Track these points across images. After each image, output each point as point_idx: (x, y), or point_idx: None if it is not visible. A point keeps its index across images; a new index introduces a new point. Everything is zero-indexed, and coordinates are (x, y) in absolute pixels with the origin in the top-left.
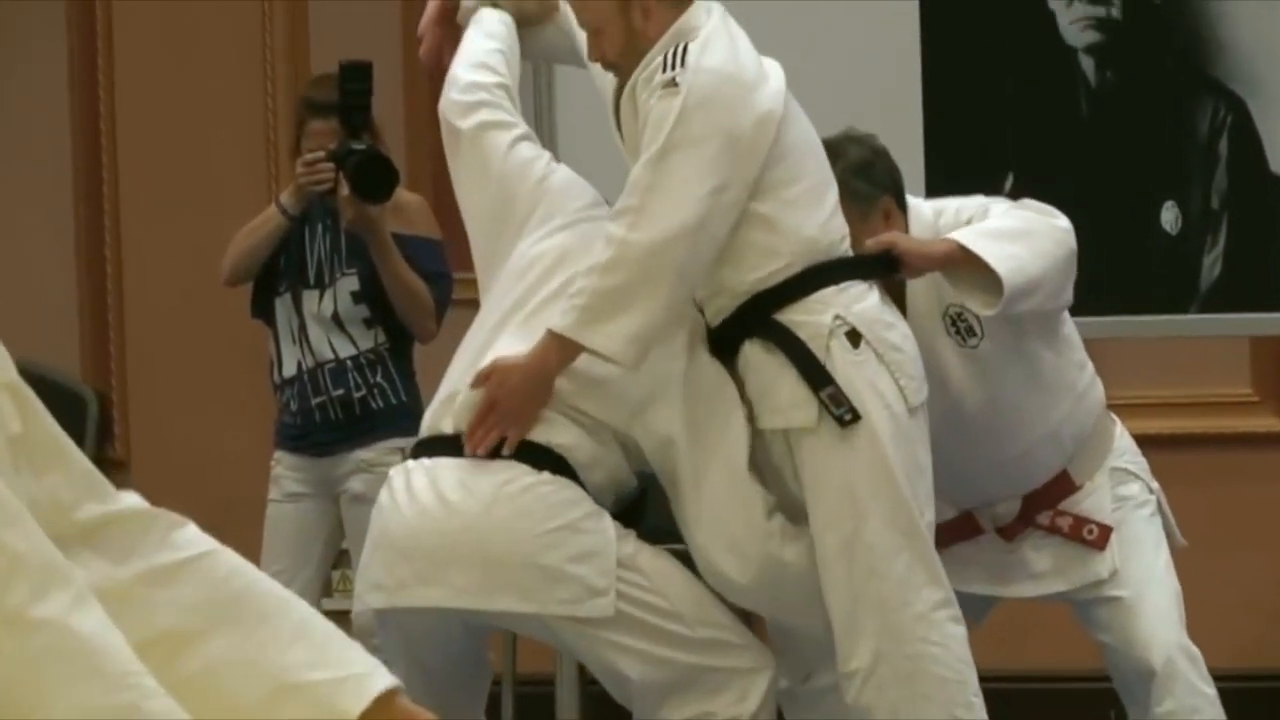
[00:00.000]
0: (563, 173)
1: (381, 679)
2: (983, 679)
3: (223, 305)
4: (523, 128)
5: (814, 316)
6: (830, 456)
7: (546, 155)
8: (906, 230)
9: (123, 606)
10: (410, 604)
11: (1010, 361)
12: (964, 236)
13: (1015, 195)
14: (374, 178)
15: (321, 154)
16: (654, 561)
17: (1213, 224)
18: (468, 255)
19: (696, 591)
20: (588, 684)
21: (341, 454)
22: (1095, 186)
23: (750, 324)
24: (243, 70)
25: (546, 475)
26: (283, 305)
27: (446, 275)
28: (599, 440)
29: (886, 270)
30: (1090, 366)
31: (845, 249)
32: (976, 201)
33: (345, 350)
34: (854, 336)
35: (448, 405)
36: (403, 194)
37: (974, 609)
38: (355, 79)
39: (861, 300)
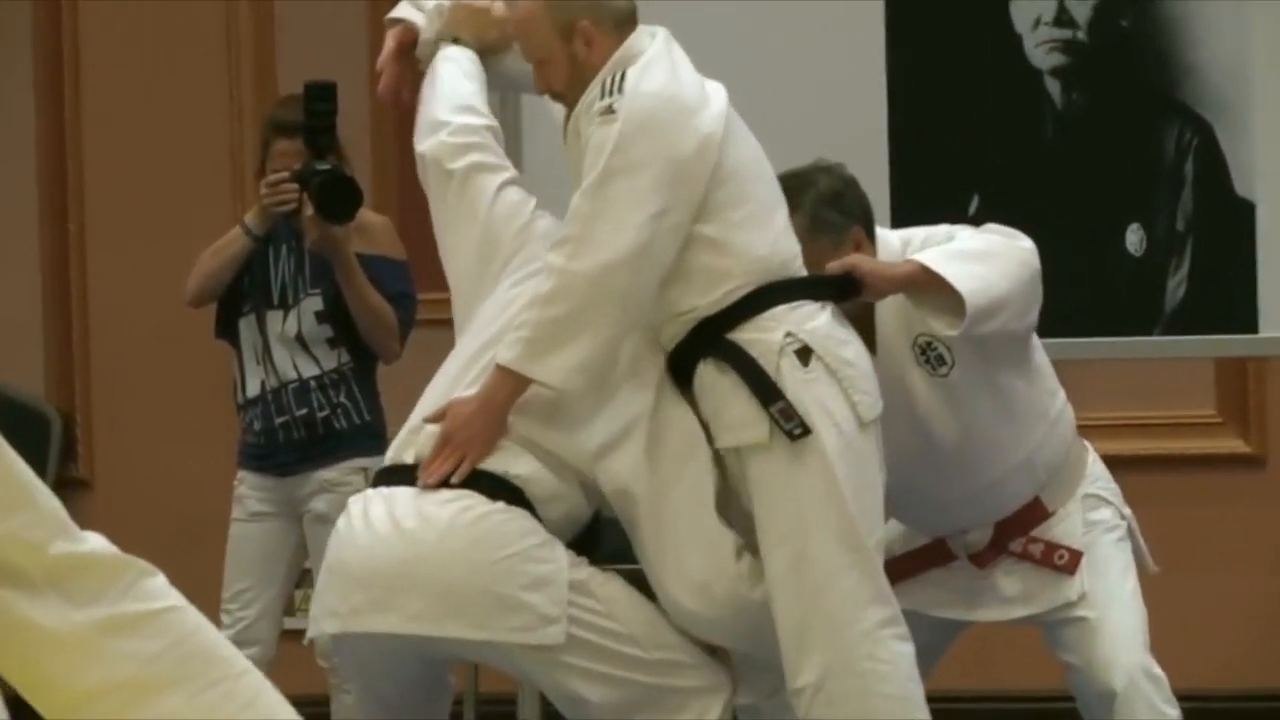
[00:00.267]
0: (547, 220)
1: None
2: (949, 699)
3: (187, 325)
4: (511, 171)
5: (765, 334)
6: (779, 475)
7: (533, 201)
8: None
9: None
10: (363, 629)
11: (981, 391)
12: (926, 258)
13: (981, 217)
14: (338, 198)
15: (286, 174)
16: (606, 587)
17: (1178, 246)
18: (431, 276)
19: (649, 614)
20: (550, 703)
21: (305, 473)
22: (1061, 208)
23: (703, 345)
24: (209, 92)
25: (501, 505)
26: (247, 325)
27: (411, 295)
28: (560, 477)
29: (848, 292)
30: (1062, 394)
31: (798, 268)
32: (943, 230)
33: (309, 370)
34: (804, 354)
35: (412, 436)
36: (367, 214)
37: (944, 633)
38: (320, 99)
39: (813, 318)
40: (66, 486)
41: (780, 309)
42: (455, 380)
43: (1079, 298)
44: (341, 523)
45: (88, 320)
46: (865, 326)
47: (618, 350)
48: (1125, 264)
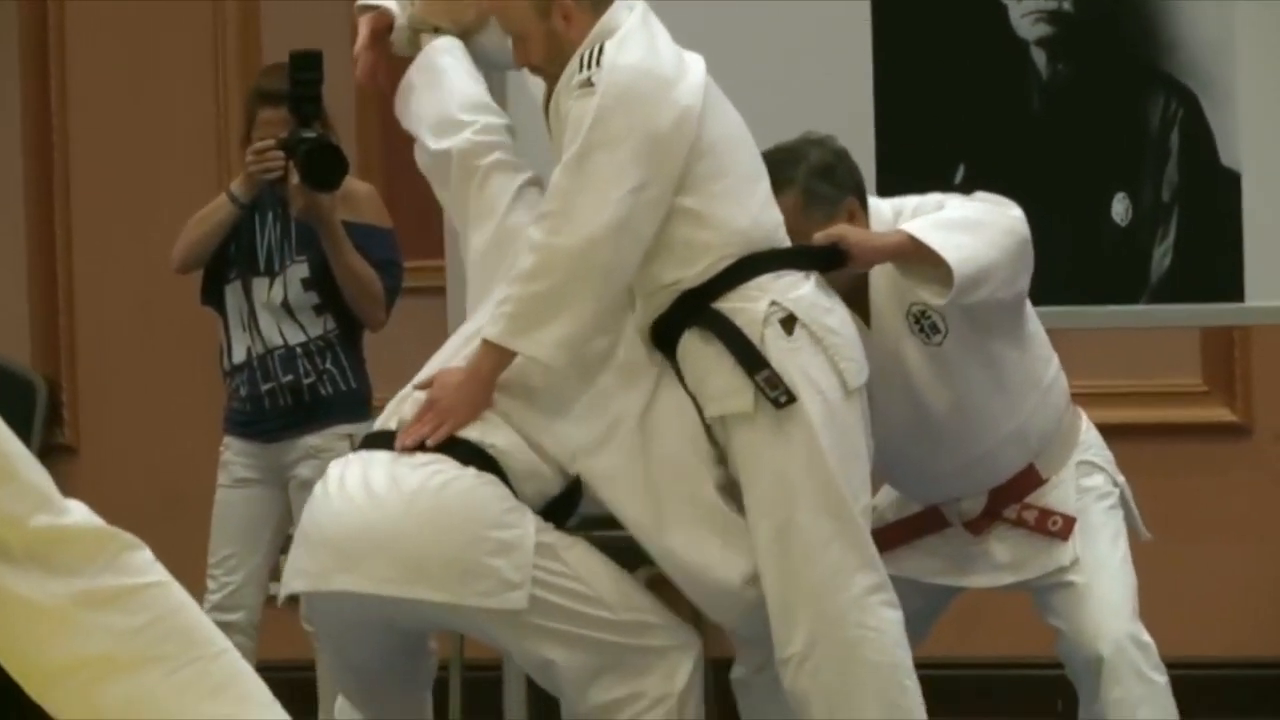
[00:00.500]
0: None
1: None
2: (931, 665)
3: (173, 293)
4: (530, 171)
5: (750, 304)
6: (763, 444)
7: None
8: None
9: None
10: (329, 589)
11: (974, 360)
12: (913, 227)
13: (966, 187)
14: (324, 166)
15: (272, 142)
16: (573, 550)
17: (1163, 216)
18: (417, 244)
19: (617, 576)
20: None
21: (290, 440)
22: (1046, 178)
23: (687, 314)
24: (193, 61)
25: (472, 470)
26: (233, 292)
27: (396, 263)
28: (539, 455)
29: (834, 263)
30: (1055, 361)
31: (781, 238)
32: (934, 199)
33: (295, 337)
34: (788, 323)
35: (400, 404)
36: (352, 183)
37: (937, 599)
38: (306, 68)
39: (797, 287)
40: (52, 453)
41: (765, 278)
42: (451, 356)
43: (1065, 267)
44: (318, 486)
45: (73, 287)
46: (860, 297)
47: (601, 325)
48: (1111, 234)
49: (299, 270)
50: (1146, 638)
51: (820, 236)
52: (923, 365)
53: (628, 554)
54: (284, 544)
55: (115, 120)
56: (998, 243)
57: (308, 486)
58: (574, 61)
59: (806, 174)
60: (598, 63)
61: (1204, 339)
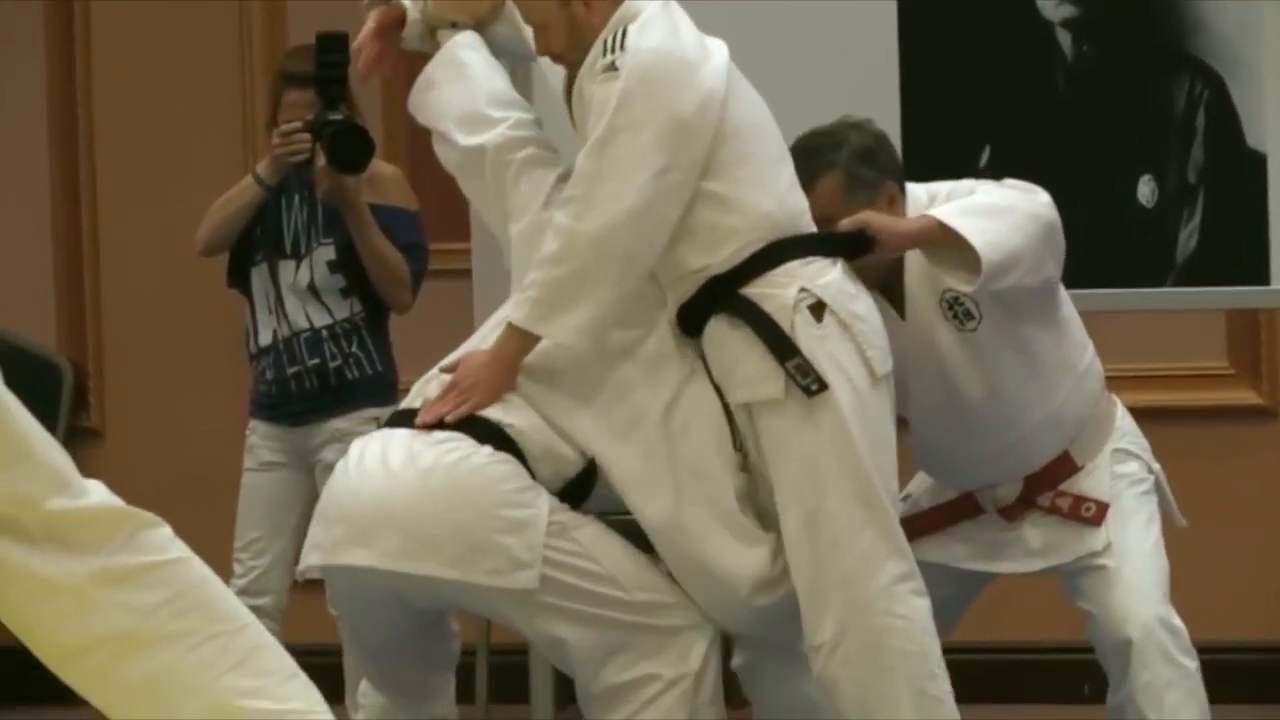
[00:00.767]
0: None
1: (319, 717)
2: (958, 650)
3: (199, 276)
4: (564, 165)
5: (779, 290)
6: (793, 431)
7: None
8: (905, 215)
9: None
10: (341, 562)
11: (1008, 346)
12: (941, 213)
13: (992, 169)
14: (350, 148)
15: (298, 124)
16: (586, 529)
17: (1189, 198)
18: (443, 227)
19: (631, 556)
20: None
21: (316, 423)
22: (1072, 160)
23: (715, 300)
24: (219, 43)
25: (488, 449)
26: (259, 275)
27: (422, 246)
28: (561, 436)
29: (861, 249)
30: (1091, 347)
31: (806, 223)
32: (966, 185)
33: (321, 320)
34: (817, 310)
35: (424, 384)
36: (379, 165)
37: (970, 585)
38: (332, 50)
39: (825, 273)
40: (78, 437)
41: (793, 264)
42: (481, 341)
43: (1090, 249)
44: (340, 463)
45: (99, 271)
46: (894, 282)
47: (626, 310)
48: (1137, 216)
49: (325, 253)
50: (1177, 622)
51: (847, 223)
52: (957, 351)
53: (643, 534)
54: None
55: (141, 103)
56: (1025, 228)
57: (333, 471)
58: (597, 47)
59: (848, 158)
60: (621, 47)
61: (1229, 321)
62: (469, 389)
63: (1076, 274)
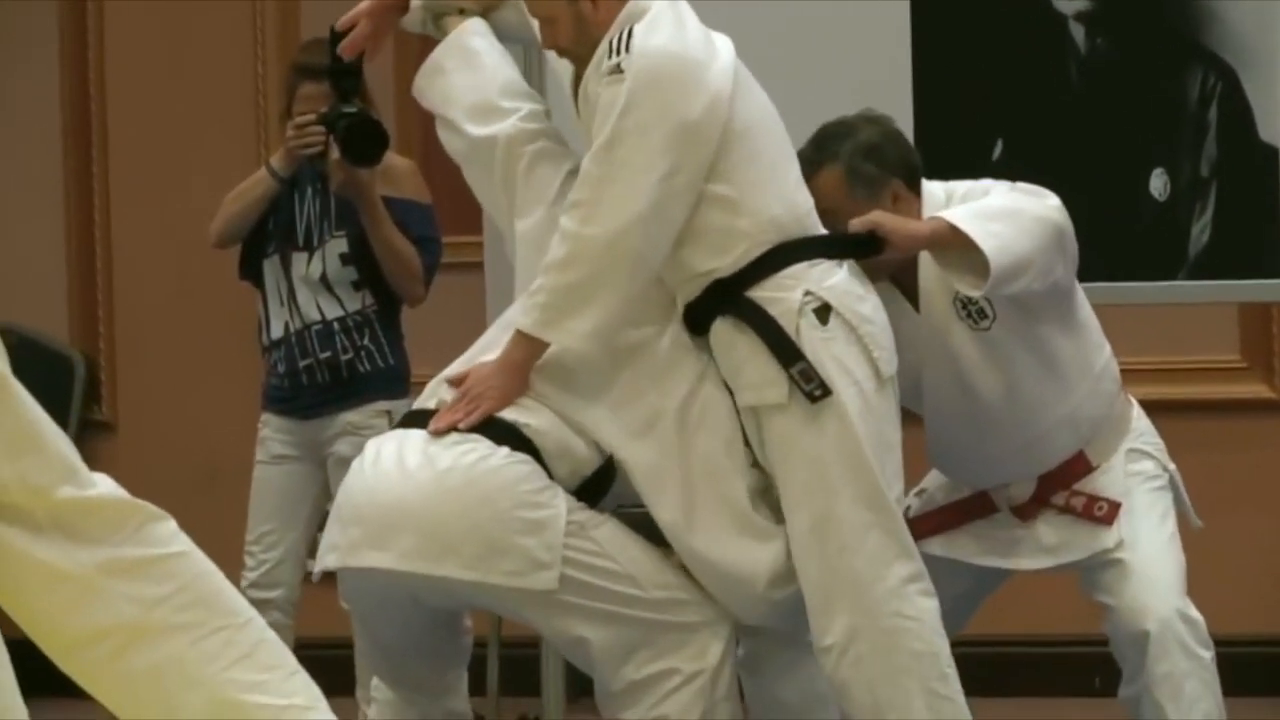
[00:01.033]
0: None
1: (320, 714)
2: (967, 643)
3: (211, 270)
4: (576, 158)
5: (785, 293)
6: (799, 434)
7: None
8: (919, 214)
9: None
10: (359, 564)
11: (1023, 346)
12: (953, 215)
13: (1004, 163)
14: (364, 141)
15: (312, 117)
16: (604, 528)
17: (1202, 191)
18: (456, 219)
19: (648, 553)
20: None
21: (328, 416)
22: (1085, 154)
23: (721, 302)
24: (233, 35)
25: (505, 450)
26: (271, 267)
27: (435, 239)
28: (578, 433)
29: (871, 250)
30: (1107, 348)
31: (813, 223)
32: (982, 185)
33: (333, 312)
34: (823, 313)
35: (439, 384)
36: (392, 158)
37: (986, 581)
38: None
39: (831, 275)
40: (90, 430)
41: (799, 267)
42: (490, 343)
43: (1103, 243)
44: (355, 462)
45: (111, 263)
46: (909, 280)
47: (634, 312)
48: (1149, 209)
49: (338, 245)
50: (1195, 614)
51: (856, 223)
52: (971, 349)
53: (659, 531)
54: (321, 521)
55: (154, 98)
56: (1032, 231)
57: (345, 463)
58: (603, 46)
59: (851, 151)
60: (627, 49)
61: (1242, 315)
62: (479, 396)
63: (1088, 267)
